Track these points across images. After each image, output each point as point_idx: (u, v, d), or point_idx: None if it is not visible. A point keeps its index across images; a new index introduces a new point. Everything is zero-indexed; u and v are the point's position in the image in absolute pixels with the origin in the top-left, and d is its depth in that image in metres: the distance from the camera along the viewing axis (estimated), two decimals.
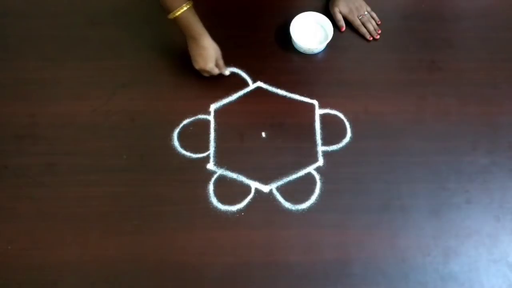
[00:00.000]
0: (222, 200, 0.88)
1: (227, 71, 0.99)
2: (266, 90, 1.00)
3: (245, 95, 0.99)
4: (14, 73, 1.01)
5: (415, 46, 1.06)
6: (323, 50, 1.04)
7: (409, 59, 1.04)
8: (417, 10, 1.11)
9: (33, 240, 0.85)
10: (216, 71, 0.96)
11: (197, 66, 0.95)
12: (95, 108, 0.97)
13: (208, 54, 0.93)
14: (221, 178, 0.91)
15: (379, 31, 1.06)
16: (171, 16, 0.89)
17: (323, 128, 0.96)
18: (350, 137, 0.95)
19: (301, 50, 1.03)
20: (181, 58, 1.02)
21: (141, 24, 1.07)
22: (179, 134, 0.94)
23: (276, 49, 1.04)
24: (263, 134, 0.95)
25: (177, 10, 0.88)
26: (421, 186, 0.91)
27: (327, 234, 0.86)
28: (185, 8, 0.88)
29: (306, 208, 0.88)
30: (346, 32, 1.06)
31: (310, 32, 1.04)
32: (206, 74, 0.97)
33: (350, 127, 0.96)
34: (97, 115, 0.96)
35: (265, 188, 0.90)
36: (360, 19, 1.06)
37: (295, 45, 1.03)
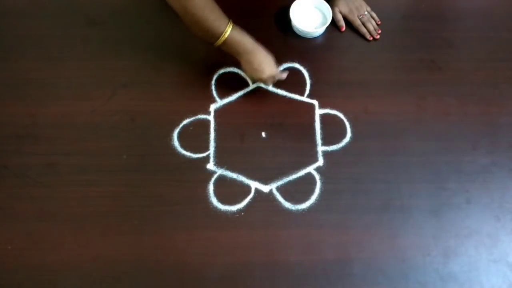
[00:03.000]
0: (222, 200, 0.88)
1: (284, 74, 0.97)
2: (266, 90, 1.00)
3: (245, 95, 0.99)
4: (14, 73, 1.01)
5: (415, 46, 1.06)
6: (322, 35, 1.05)
7: (409, 59, 1.04)
8: (417, 10, 1.11)
9: (33, 240, 0.85)
10: (281, 75, 0.95)
11: (265, 76, 0.92)
12: (95, 108, 0.97)
13: (270, 60, 0.92)
14: (221, 178, 0.91)
15: (379, 31, 1.06)
16: (218, 42, 0.86)
17: (323, 128, 0.96)
18: (350, 137, 0.95)
19: (302, 34, 1.05)
20: (181, 58, 1.02)
21: (141, 24, 1.07)
22: (179, 134, 0.94)
23: (276, 50, 1.04)
24: (263, 134, 0.95)
25: (222, 35, 0.85)
26: (421, 186, 0.91)
27: (327, 234, 0.86)
28: (229, 30, 0.85)
29: (306, 208, 0.88)
30: (346, 32, 1.06)
31: (309, 15, 1.06)
32: (271, 83, 0.96)
33: (350, 127, 0.96)
34: (97, 115, 0.96)
35: (265, 188, 0.90)
36: (360, 19, 1.06)
37: (294, 29, 1.05)
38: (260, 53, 0.91)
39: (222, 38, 0.86)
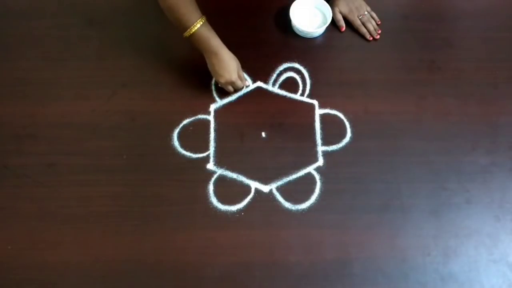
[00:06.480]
0: (222, 200, 0.88)
1: (248, 82, 0.98)
2: (266, 90, 1.00)
3: (245, 95, 0.99)
4: (14, 73, 1.01)
5: (415, 46, 1.06)
6: (322, 34, 1.06)
7: (409, 59, 1.04)
8: (417, 10, 1.11)
9: (33, 240, 0.85)
10: (240, 83, 0.95)
11: (222, 80, 0.93)
12: (95, 108, 0.97)
13: (231, 66, 0.91)
14: (221, 178, 0.91)
15: (379, 31, 1.06)
16: (186, 34, 0.88)
17: (323, 128, 0.96)
18: (350, 137, 0.95)
19: (302, 34, 1.05)
20: (181, 58, 1.02)
21: (141, 24, 1.07)
22: (179, 134, 0.94)
23: (276, 50, 1.04)
24: (263, 134, 0.95)
25: (192, 27, 0.86)
26: (421, 186, 0.91)
27: (327, 234, 0.86)
28: (199, 24, 0.86)
29: (306, 208, 0.88)
30: (346, 32, 1.06)
31: (309, 15, 1.06)
32: (230, 89, 0.96)
33: (350, 127, 0.96)
34: (97, 115, 0.96)
35: (265, 188, 0.90)
36: (360, 19, 1.06)
37: (294, 29, 1.05)
38: (223, 56, 0.90)
39: (189, 32, 0.87)
